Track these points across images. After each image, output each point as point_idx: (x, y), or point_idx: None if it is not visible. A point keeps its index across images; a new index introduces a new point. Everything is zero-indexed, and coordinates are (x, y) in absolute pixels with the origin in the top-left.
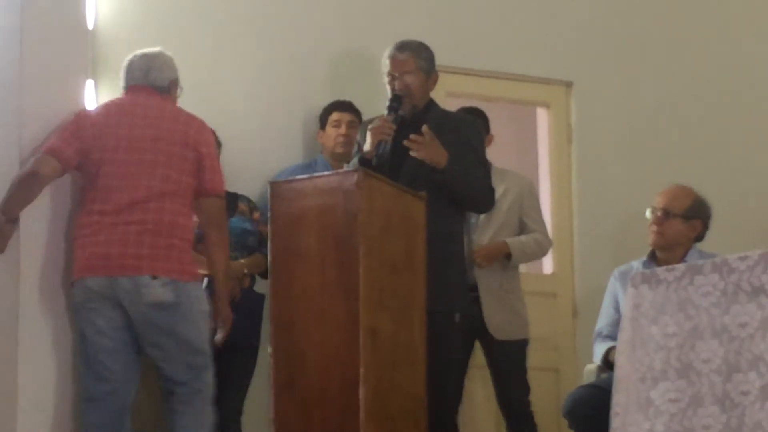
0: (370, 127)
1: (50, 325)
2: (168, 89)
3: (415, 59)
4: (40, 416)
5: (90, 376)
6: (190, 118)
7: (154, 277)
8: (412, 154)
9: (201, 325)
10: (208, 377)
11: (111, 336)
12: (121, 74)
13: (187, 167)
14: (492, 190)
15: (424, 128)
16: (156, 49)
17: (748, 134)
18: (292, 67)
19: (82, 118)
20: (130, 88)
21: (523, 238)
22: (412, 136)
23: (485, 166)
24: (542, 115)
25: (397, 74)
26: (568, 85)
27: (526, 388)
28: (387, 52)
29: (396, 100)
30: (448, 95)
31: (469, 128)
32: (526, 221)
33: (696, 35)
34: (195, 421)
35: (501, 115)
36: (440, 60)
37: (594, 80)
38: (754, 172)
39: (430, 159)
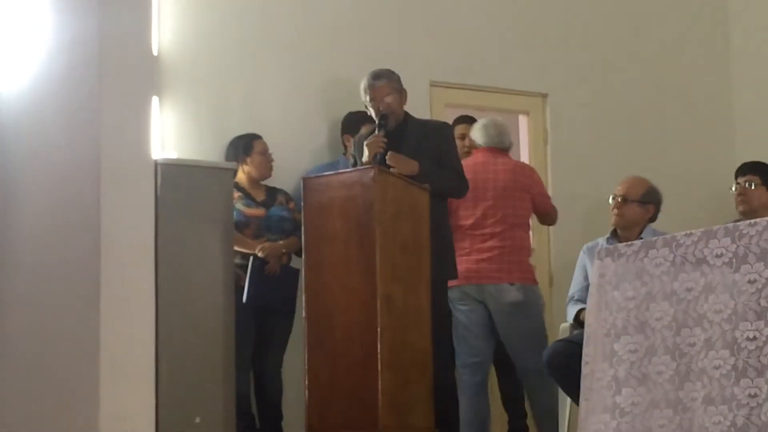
0: (366, 142)
1: (131, 281)
2: (509, 149)
3: (389, 83)
4: (121, 368)
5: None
6: (525, 169)
7: (511, 284)
8: (392, 171)
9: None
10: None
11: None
12: (477, 131)
13: (528, 206)
14: (462, 180)
15: (389, 154)
16: (500, 119)
17: (694, 134)
18: (317, 84)
19: None
20: (489, 148)
21: None
22: (388, 161)
23: (454, 163)
24: (523, 121)
25: (378, 98)
26: (544, 96)
27: None
28: (365, 83)
29: (384, 119)
30: (447, 106)
31: (440, 134)
32: None
33: (649, 54)
34: None
35: None
36: (440, 77)
37: (565, 92)
38: (698, 164)
39: (402, 171)
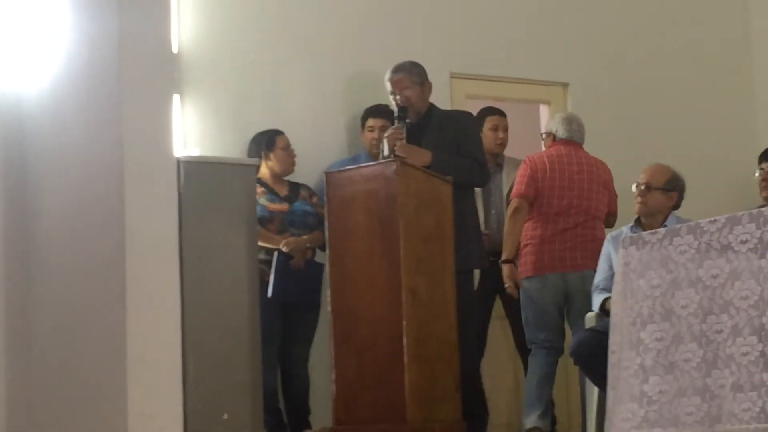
0: (385, 135)
1: (156, 279)
2: (582, 144)
3: (408, 76)
4: (148, 366)
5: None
6: (605, 166)
7: (594, 271)
8: (407, 161)
9: None
10: None
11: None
12: (559, 124)
13: (605, 201)
14: (481, 169)
15: (399, 144)
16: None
17: (716, 120)
18: (338, 78)
19: (528, 165)
20: (570, 141)
21: None
22: (398, 152)
23: (474, 152)
24: (544, 111)
25: (397, 91)
26: (565, 85)
27: None
28: (386, 76)
29: (402, 111)
30: (467, 97)
31: (459, 123)
32: None
33: (670, 43)
34: None
35: (510, 111)
36: (459, 68)
37: (586, 82)
38: (721, 151)
39: (416, 162)
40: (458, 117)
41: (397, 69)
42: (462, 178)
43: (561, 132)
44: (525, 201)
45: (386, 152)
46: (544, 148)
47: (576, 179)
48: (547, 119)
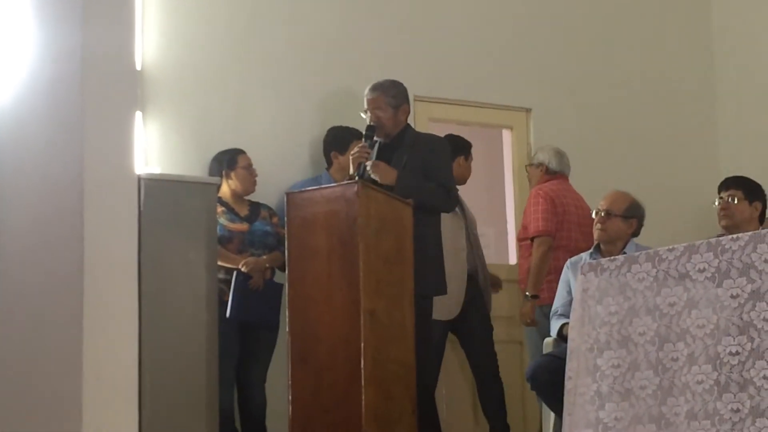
0: (351, 154)
1: (114, 296)
2: None
3: (384, 97)
4: (104, 383)
5: None
6: (583, 200)
7: None
8: (373, 176)
9: None
10: None
11: None
12: (552, 156)
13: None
14: (447, 195)
15: (372, 162)
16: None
17: (677, 148)
18: (301, 99)
19: (548, 200)
20: (563, 175)
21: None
22: (370, 169)
23: (441, 178)
24: (507, 136)
25: (370, 109)
26: (528, 111)
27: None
28: (365, 91)
29: (370, 130)
30: (431, 120)
31: (429, 147)
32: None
33: (633, 70)
34: None
35: (473, 136)
36: (423, 92)
37: (548, 107)
38: (681, 179)
39: (381, 180)
40: (431, 141)
41: (375, 87)
42: (427, 201)
43: (554, 164)
44: (552, 238)
45: (351, 171)
46: (529, 178)
47: (581, 213)
48: (535, 151)
